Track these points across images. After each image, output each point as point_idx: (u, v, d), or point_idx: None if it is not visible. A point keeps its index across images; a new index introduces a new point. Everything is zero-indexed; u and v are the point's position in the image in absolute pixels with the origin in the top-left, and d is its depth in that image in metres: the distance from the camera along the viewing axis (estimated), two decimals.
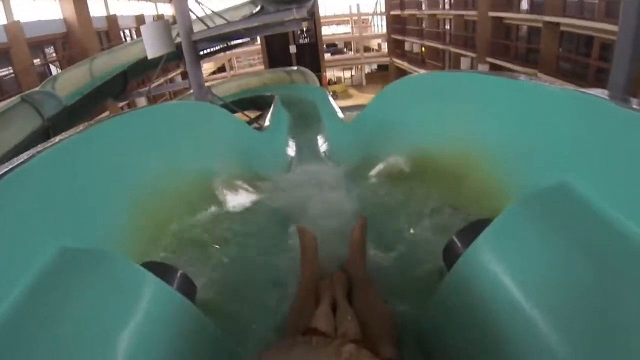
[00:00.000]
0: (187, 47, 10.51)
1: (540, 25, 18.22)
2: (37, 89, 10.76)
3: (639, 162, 1.51)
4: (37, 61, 19.57)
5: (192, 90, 11.41)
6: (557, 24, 17.19)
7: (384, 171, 4.39)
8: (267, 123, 10.06)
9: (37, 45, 19.43)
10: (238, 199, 3.89)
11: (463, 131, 3.05)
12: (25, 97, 9.51)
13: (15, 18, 17.93)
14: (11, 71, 17.86)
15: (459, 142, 3.05)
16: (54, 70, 19.68)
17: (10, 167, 1.80)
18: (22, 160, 1.89)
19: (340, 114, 10.77)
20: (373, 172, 4.60)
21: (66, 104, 10.36)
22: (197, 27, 10.72)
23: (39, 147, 2.10)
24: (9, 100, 10.23)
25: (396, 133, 4.33)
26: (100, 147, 2.57)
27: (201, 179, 3.61)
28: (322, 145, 9.87)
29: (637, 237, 1.36)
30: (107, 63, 12.77)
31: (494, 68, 21.60)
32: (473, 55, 23.84)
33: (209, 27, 9.95)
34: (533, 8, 19.22)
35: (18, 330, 1.33)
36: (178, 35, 10.60)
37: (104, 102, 14.23)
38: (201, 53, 11.04)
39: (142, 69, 13.27)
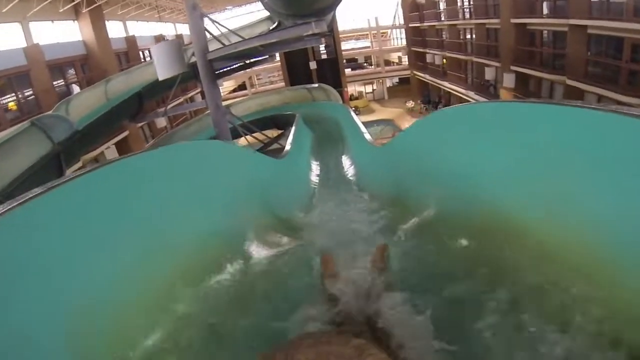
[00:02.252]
0: (202, 67, 10.19)
1: (565, 29, 17.47)
2: (48, 113, 10.53)
3: None
4: (58, 82, 19.70)
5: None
6: (584, 27, 16.39)
7: (431, 221, 3.71)
8: (287, 146, 9.59)
9: (57, 67, 19.56)
10: (252, 264, 3.44)
11: (566, 199, 2.26)
12: (35, 121, 9.27)
13: (35, 41, 18.03)
14: (31, 93, 17.93)
15: (560, 214, 2.26)
16: (76, 90, 19.67)
17: None
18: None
19: (367, 135, 10.10)
20: (417, 218, 3.98)
21: (77, 127, 10.05)
22: (214, 46, 10.42)
23: None
24: (19, 125, 9.96)
25: (454, 178, 3.49)
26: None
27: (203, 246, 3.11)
28: (347, 169, 9.41)
29: None
30: (123, 84, 12.52)
31: (520, 76, 21.04)
32: (497, 64, 23.16)
33: (224, 45, 9.57)
34: (557, 12, 18.52)
35: None
36: (194, 54, 10.32)
37: (119, 125, 13.92)
38: (218, 72, 10.72)
39: (158, 89, 13.01)
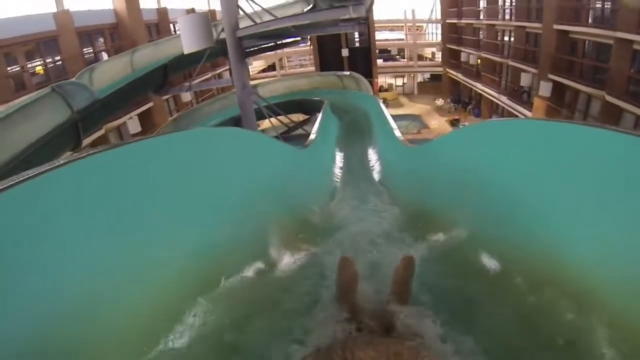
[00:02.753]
0: (231, 43, 9.88)
1: (610, 41, 16.64)
2: (70, 80, 10.28)
3: None
4: (87, 50, 19.64)
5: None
6: (631, 41, 15.58)
7: (461, 243, 3.35)
8: (312, 134, 9.21)
9: (86, 35, 19.39)
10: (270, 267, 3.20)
11: None
12: (56, 87, 8.99)
13: (66, 7, 17.90)
14: (59, 58, 17.85)
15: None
16: (105, 58, 19.53)
17: None
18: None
19: (397, 132, 9.57)
20: (445, 234, 3.64)
21: (98, 96, 9.76)
22: (245, 24, 10.07)
23: None
24: (41, 90, 9.70)
25: (497, 201, 3.10)
26: None
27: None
28: (374, 166, 9.00)
29: None
30: (150, 55, 12.21)
31: (557, 86, 20.24)
32: (534, 70, 22.34)
33: (255, 23, 9.20)
34: (603, 22, 17.66)
35: None
36: (223, 30, 9.98)
37: (142, 96, 13.65)
38: (247, 50, 10.39)
39: (185, 63, 12.71)
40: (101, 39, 20.90)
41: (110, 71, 11.13)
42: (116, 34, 21.71)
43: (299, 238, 3.93)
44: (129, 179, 2.34)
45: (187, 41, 9.40)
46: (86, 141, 18.54)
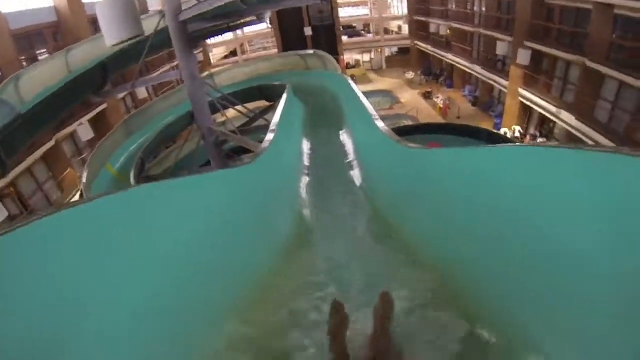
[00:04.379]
0: (174, 29, 8.48)
1: (589, 6, 15.69)
2: None
3: None
4: (33, 53, 17.68)
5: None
6: (611, 6, 14.68)
7: (457, 292, 3.29)
8: (270, 133, 7.47)
9: (24, 37, 17.35)
10: None
11: None
12: None
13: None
14: None
15: None
16: None
17: None
18: None
19: (376, 119, 7.77)
20: (437, 276, 3.47)
21: (21, 110, 8.03)
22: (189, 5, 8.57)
23: None
24: None
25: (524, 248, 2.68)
26: None
27: None
28: (351, 165, 7.62)
29: None
30: (87, 53, 10.34)
31: (534, 53, 19.28)
32: (509, 38, 21.30)
33: (199, 1, 7.67)
34: None
35: None
36: (164, 16, 8.51)
37: (78, 102, 11.86)
38: (194, 36, 8.94)
39: (126, 58, 10.99)
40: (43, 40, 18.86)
41: (42, 76, 9.33)
42: (59, 33, 19.69)
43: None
44: None
45: (109, 31, 7.63)
46: (38, 152, 17.01)
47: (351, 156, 8.19)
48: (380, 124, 7.34)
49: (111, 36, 7.58)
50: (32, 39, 18.11)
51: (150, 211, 3.06)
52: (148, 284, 2.75)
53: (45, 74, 9.45)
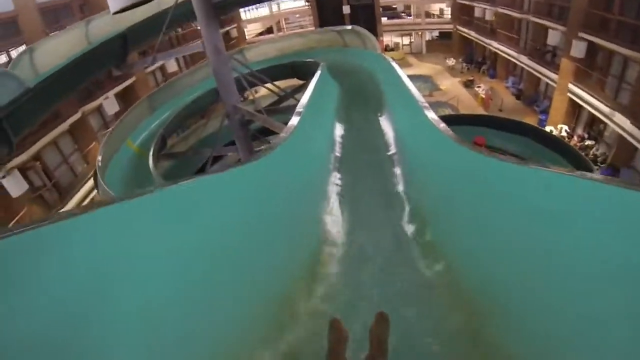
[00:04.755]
0: None
1: None
2: None
3: None
4: None
5: None
6: None
7: None
8: (296, 115, 6.39)
9: (50, 11, 16.69)
10: None
11: None
12: None
13: None
14: None
15: None
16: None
17: None
18: None
19: (426, 108, 6.05)
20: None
21: (29, 86, 7.29)
22: None
23: None
24: None
25: None
26: None
27: None
28: (391, 162, 6.60)
29: None
30: (109, 25, 9.57)
31: (589, 46, 17.73)
32: (562, 28, 19.73)
33: None
34: None
35: None
36: None
37: (97, 75, 11.17)
38: (219, 6, 8.18)
39: (147, 31, 10.21)
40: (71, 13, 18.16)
41: (61, 48, 8.61)
42: (86, 4, 19.04)
43: None
44: None
45: None
46: (64, 125, 16.58)
47: (392, 148, 7.19)
48: (431, 114, 5.72)
49: (116, 3, 6.74)
50: (58, 12, 17.50)
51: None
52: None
53: (68, 44, 8.79)
